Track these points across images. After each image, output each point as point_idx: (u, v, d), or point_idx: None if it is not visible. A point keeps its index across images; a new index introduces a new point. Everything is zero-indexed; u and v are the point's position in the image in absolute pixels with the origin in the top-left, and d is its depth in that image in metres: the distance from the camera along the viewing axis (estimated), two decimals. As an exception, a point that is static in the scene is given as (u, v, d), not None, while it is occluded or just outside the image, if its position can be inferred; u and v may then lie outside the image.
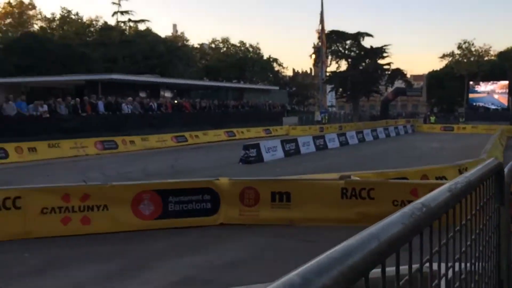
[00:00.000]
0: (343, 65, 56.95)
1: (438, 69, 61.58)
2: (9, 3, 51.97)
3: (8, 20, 51.95)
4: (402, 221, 1.01)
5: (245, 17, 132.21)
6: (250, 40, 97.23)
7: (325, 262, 0.75)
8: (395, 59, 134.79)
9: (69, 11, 52.30)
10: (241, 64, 58.03)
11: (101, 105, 23.26)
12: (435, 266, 1.37)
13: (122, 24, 51.28)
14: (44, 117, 20.24)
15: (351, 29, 60.79)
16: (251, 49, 62.19)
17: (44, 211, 7.55)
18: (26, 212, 7.49)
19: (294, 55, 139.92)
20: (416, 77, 73.16)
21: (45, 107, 20.59)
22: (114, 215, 7.84)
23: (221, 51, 63.01)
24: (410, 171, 10.68)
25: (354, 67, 55.14)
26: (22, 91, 28.19)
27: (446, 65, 58.28)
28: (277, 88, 50.79)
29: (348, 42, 55.79)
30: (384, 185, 8.47)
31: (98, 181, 10.68)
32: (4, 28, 49.56)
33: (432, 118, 52.12)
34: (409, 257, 1.11)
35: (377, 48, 54.95)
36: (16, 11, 52.47)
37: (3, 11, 51.90)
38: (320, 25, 46.99)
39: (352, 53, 56.44)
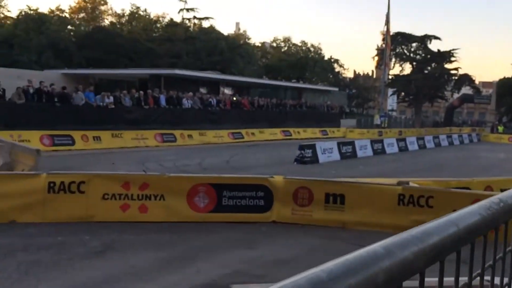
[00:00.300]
0: (407, 68, 55.18)
1: (510, 76, 58.17)
2: (83, -2, 54.88)
3: (82, 15, 54.82)
4: (480, 211, 1.03)
5: (308, 17, 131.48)
6: (312, 40, 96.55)
7: (407, 238, 0.83)
8: (463, 64, 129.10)
9: (138, 8, 54.50)
10: (301, 63, 57.84)
11: (163, 99, 23.97)
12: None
13: (187, 21, 52.65)
14: (109, 108, 21.16)
15: (418, 31, 58.80)
16: (312, 49, 61.84)
17: (105, 196, 7.90)
18: (89, 197, 7.86)
19: (356, 56, 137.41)
20: (485, 84, 69.59)
21: (111, 99, 21.52)
22: (170, 205, 8.06)
23: (282, 50, 63.13)
24: (473, 181, 10.16)
25: (419, 71, 53.22)
26: (90, 82, 29.63)
27: (519, 72, 54.94)
28: (336, 89, 50.11)
29: (414, 44, 53.94)
30: (445, 194, 8.11)
31: (156, 171, 11.03)
32: (78, 23, 52.29)
33: (500, 128, 49.36)
34: (470, 256, 1.05)
35: (445, 52, 52.72)
36: (89, 6, 55.28)
37: (77, 5, 54.84)
38: (385, 27, 45.76)
39: (418, 56, 54.52)
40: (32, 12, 45.58)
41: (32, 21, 43.85)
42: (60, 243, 6.66)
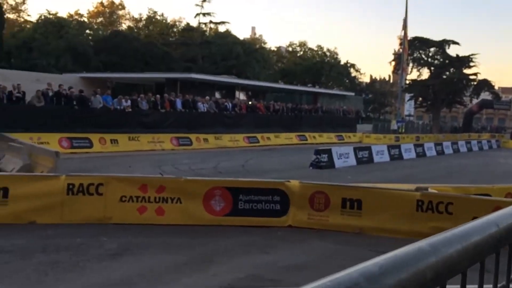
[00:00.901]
0: (425, 73, 54.60)
1: (530, 81, 57.17)
2: (101, 3, 55.64)
3: (100, 19, 55.58)
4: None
5: (324, 21, 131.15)
6: (328, 44, 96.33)
7: (449, 237, 0.85)
8: (482, 69, 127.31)
9: (155, 12, 55.08)
10: (317, 68, 57.74)
11: (179, 103, 24.13)
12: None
13: (203, 26, 53.01)
14: (126, 111, 21.36)
15: (436, 36, 58.19)
16: (328, 54, 61.67)
17: (123, 199, 7.95)
18: (107, 199, 7.93)
19: (373, 61, 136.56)
20: (505, 90, 68.53)
21: (129, 102, 21.73)
22: (186, 208, 8.08)
23: (298, 54, 63.09)
24: (494, 188, 9.98)
25: (437, 76, 52.63)
26: (108, 85, 29.96)
27: (540, 77, 53.99)
28: (352, 94, 49.86)
29: (432, 49, 53.37)
30: (465, 200, 7.98)
31: (172, 175, 11.09)
32: (96, 27, 53.03)
33: (521, 134, 48.51)
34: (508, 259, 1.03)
35: (464, 57, 52.04)
36: (107, 10, 56.03)
37: (95, 10, 55.64)
38: (403, 31, 45.36)
39: (436, 61, 53.93)
40: (51, 16, 46.38)
41: (51, 25, 44.60)
42: (78, 244, 6.72)
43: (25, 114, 17.99)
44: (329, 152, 18.08)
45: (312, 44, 64.84)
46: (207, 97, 26.48)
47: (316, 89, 45.30)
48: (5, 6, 46.13)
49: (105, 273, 5.68)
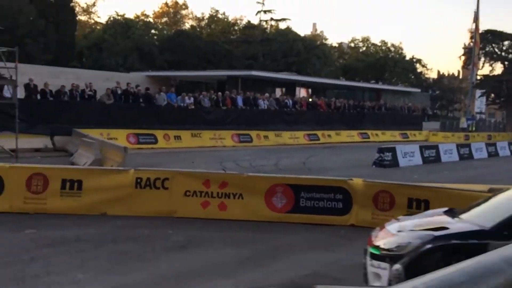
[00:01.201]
0: (498, 68, 51.41)
1: None
2: (166, 3, 57.40)
3: (164, 19, 57.35)
4: None
5: (387, 16, 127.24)
6: (392, 39, 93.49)
7: None
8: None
9: (217, 11, 55.94)
10: (380, 64, 56.15)
11: (240, 100, 24.39)
12: None
13: (264, 23, 53.21)
14: (189, 108, 21.92)
15: (510, 29, 54.68)
16: (392, 49, 59.76)
17: (187, 193, 8.17)
18: (172, 193, 8.18)
19: (441, 56, 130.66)
20: None
21: (192, 99, 22.28)
22: (248, 204, 8.16)
23: (360, 50, 61.69)
24: None
25: (511, 71, 49.48)
26: (171, 84, 30.86)
27: None
28: (418, 90, 47.95)
29: (506, 43, 50.19)
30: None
31: (234, 171, 11.23)
32: (160, 27, 54.79)
33: None
34: None
35: (541, 51, 48.58)
36: (171, 10, 57.70)
37: (160, 10, 57.49)
38: (474, 24, 42.99)
39: (510, 55, 50.73)
40: (119, 18, 48.49)
41: (120, 26, 46.62)
42: (146, 235, 6.99)
43: (96, 111, 18.95)
44: (393, 150, 17.53)
45: (375, 40, 63.20)
46: (267, 94, 26.57)
47: (379, 86, 44.04)
48: (77, 9, 48.84)
49: (171, 264, 5.87)
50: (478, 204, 5.35)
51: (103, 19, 56.18)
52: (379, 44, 60.87)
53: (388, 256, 4.53)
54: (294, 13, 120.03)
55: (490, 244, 4.03)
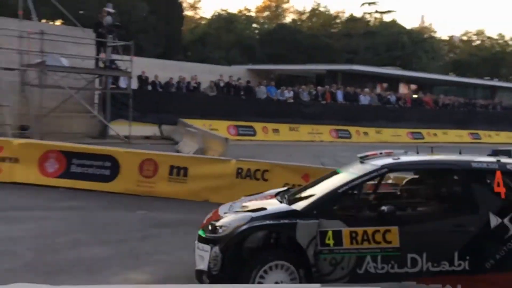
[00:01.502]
0: None
1: None
2: (268, -3, 58.18)
3: (266, 13, 58.14)
4: None
5: (506, 6, 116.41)
6: (511, 32, 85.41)
7: None
8: None
9: (318, 4, 55.46)
10: (497, 59, 51.61)
11: (340, 95, 23.91)
12: None
13: (367, 16, 51.62)
14: (288, 102, 21.97)
15: None
16: (511, 42, 54.62)
17: (286, 186, 8.11)
18: (271, 185, 8.15)
19: None
20: None
21: (291, 93, 22.31)
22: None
23: (474, 44, 57.25)
24: None
25: None
26: (271, 77, 31.16)
27: None
28: (540, 88, 43.35)
29: None
30: None
31: (332, 166, 10.96)
32: (262, 21, 55.64)
33: None
34: None
35: None
36: (273, 4, 58.30)
37: (262, 4, 58.39)
38: None
39: None
40: (223, 12, 50.10)
41: (223, 20, 48.15)
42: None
43: (199, 102, 19.73)
44: (510, 153, 15.97)
45: (491, 33, 58.26)
46: (367, 89, 25.72)
47: (495, 83, 40.47)
48: (184, 5, 51.34)
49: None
50: (309, 186, 5.38)
51: (208, 14, 58.37)
52: (496, 37, 55.98)
53: (210, 238, 4.52)
54: (401, 5, 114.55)
55: (298, 223, 4.32)
